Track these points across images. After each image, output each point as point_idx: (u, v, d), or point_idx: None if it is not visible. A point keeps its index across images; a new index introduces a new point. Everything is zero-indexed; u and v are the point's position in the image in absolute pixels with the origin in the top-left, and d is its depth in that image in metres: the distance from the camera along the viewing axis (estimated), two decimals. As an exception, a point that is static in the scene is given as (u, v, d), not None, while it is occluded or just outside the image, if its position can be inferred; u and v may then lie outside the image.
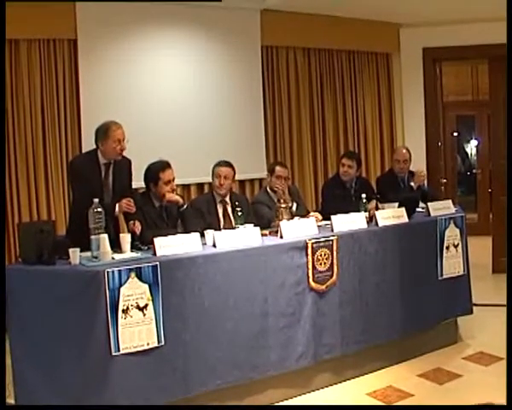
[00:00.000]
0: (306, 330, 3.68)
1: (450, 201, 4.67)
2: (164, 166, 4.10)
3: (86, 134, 5.25)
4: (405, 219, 4.23)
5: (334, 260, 3.80)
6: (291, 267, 3.64)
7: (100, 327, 3.02)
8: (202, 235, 3.57)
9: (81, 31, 5.35)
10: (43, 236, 3.17)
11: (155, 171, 4.09)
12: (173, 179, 4.11)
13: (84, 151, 5.01)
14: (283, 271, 3.61)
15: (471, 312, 4.58)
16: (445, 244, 4.36)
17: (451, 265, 4.40)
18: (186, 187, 5.91)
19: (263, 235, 3.71)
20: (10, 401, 3.30)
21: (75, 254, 3.18)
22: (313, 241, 3.71)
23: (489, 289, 5.82)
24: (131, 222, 3.71)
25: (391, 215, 4.19)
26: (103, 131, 3.87)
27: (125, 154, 4.00)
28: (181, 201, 4.15)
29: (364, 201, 4.33)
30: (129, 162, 4.12)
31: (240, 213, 4.01)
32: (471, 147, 11.19)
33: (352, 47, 6.81)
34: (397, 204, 4.37)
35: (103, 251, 3.18)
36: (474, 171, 10.33)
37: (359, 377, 3.99)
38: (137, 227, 3.67)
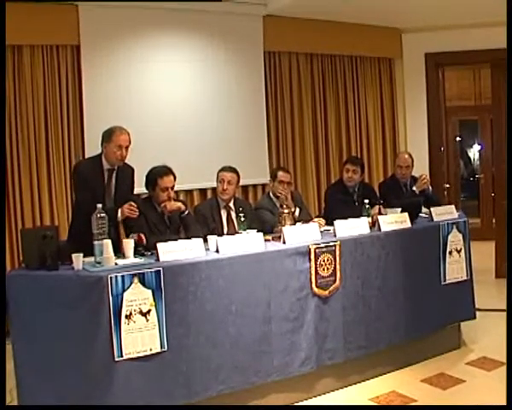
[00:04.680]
0: (309, 336, 3.67)
1: (452, 206, 4.68)
2: (163, 172, 4.05)
3: (89, 140, 5.29)
4: (408, 225, 4.23)
5: (337, 266, 3.80)
6: (294, 273, 3.64)
7: (103, 332, 3.03)
8: (205, 240, 3.58)
9: (84, 37, 5.38)
10: (47, 241, 3.18)
11: (154, 175, 4.06)
12: (172, 187, 4.05)
13: (86, 157, 5.04)
14: (286, 276, 3.61)
15: (474, 317, 4.58)
16: (448, 249, 4.36)
17: (454, 270, 4.40)
18: (189, 192, 5.92)
19: (266, 240, 3.72)
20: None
21: (78, 260, 3.19)
22: (316, 246, 3.71)
23: (492, 294, 5.80)
24: (134, 235, 3.65)
25: (394, 220, 4.19)
26: (108, 134, 3.93)
27: (127, 160, 4.01)
28: (182, 207, 4.10)
29: (367, 206, 4.32)
30: (132, 170, 4.15)
31: (243, 219, 4.01)
32: (474, 152, 11.18)
33: (354, 52, 6.81)
34: (399, 209, 4.37)
35: (106, 256, 3.19)
36: (476, 176, 10.32)
37: (362, 382, 3.99)
38: (142, 239, 3.63)
